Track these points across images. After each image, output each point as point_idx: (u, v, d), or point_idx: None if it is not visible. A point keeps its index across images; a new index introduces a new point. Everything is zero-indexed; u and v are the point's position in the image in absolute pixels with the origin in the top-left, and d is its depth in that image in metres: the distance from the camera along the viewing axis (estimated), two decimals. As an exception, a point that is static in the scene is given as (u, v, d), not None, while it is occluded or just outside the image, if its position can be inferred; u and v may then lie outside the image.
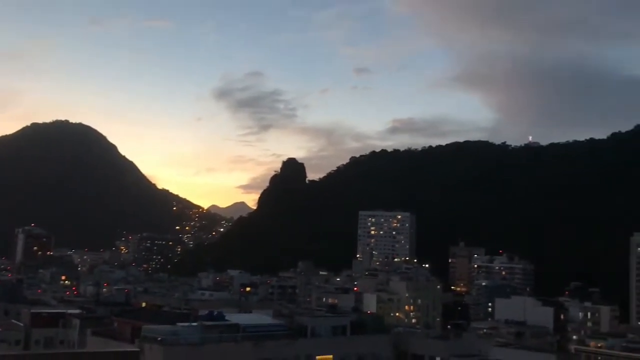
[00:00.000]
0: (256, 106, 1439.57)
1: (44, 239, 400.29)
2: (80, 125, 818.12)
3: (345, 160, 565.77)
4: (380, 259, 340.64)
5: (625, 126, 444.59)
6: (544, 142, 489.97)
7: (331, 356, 64.98)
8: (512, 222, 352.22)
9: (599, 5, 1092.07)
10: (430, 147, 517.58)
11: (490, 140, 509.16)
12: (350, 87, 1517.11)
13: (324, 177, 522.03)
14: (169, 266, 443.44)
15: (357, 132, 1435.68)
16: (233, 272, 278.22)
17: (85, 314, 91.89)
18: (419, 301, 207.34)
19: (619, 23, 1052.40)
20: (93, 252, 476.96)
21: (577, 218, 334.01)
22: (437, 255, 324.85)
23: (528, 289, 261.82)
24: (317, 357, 64.03)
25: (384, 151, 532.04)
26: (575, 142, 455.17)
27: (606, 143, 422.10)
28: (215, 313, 69.83)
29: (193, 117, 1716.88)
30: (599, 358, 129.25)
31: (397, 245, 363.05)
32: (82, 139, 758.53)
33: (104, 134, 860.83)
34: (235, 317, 66.90)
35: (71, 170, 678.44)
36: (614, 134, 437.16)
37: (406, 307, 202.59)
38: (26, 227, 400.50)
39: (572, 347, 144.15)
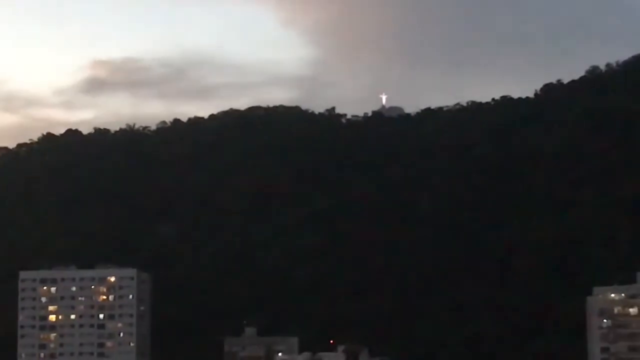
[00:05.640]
0: None
1: None
2: None
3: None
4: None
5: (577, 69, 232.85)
6: (410, 106, 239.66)
7: None
8: (359, 280, 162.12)
9: None
10: (179, 121, 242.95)
11: (304, 106, 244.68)
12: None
13: None
14: None
15: (8, 92, 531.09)
16: None
17: None
18: None
19: None
20: None
21: (478, 261, 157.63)
22: (196, 355, 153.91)
23: None
24: None
25: (73, 132, 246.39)
26: (474, 103, 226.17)
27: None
28: None
29: None
30: None
31: (109, 344, 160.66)
32: None
33: None
34: None
35: None
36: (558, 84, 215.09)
37: None
38: None
39: None
